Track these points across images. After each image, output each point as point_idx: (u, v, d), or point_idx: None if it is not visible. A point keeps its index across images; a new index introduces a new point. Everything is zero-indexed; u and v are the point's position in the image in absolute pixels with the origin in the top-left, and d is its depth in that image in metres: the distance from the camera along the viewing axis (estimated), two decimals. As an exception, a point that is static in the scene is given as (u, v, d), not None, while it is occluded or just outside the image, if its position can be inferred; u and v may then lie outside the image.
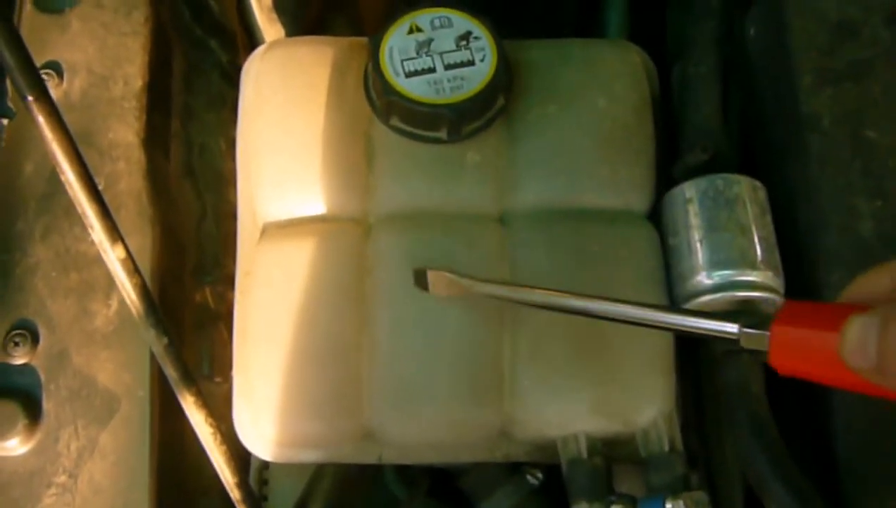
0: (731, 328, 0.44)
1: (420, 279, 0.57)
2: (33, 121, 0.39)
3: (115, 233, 0.42)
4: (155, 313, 0.44)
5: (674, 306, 0.49)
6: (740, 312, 0.55)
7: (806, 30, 0.63)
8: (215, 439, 0.48)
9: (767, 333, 0.41)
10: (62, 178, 0.41)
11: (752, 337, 0.43)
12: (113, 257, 0.42)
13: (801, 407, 0.60)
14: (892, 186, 0.58)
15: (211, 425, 0.48)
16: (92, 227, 0.42)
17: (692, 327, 0.46)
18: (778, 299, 0.58)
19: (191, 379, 0.47)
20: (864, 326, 0.35)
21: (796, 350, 0.40)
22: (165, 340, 0.45)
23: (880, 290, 0.37)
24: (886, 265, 0.38)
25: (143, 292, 0.44)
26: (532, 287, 0.55)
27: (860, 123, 0.60)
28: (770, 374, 0.58)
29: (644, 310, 0.49)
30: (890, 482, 0.55)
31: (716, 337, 0.45)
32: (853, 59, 0.62)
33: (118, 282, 0.43)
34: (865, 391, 0.38)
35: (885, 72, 0.61)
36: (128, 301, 0.44)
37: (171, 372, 0.46)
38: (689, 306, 0.58)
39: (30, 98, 0.38)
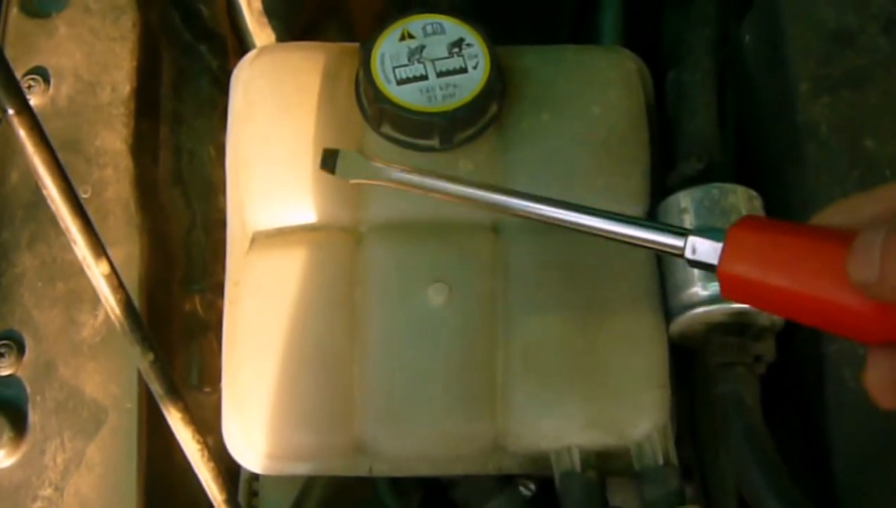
0: (678, 241, 0.38)
1: (328, 161, 0.52)
2: (15, 136, 0.38)
3: (99, 248, 0.41)
4: (140, 328, 0.43)
5: (620, 215, 0.41)
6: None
7: (803, 37, 0.62)
8: (203, 455, 0.47)
9: (720, 243, 0.36)
10: (44, 193, 0.40)
11: (700, 247, 0.37)
12: (97, 272, 0.41)
13: (798, 420, 0.59)
14: (890, 196, 0.58)
15: (198, 441, 0.47)
16: (75, 242, 0.41)
17: (635, 238, 0.41)
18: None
19: (178, 395, 0.46)
20: (872, 235, 0.32)
21: (754, 257, 0.36)
22: (151, 356, 0.44)
23: (860, 215, 0.35)
24: (864, 194, 0.35)
25: (128, 307, 0.43)
26: (449, 178, 0.48)
27: (858, 131, 0.59)
28: (766, 386, 0.58)
29: (579, 215, 0.43)
30: (888, 496, 0.54)
31: (663, 250, 0.40)
32: (850, 67, 0.61)
33: (103, 298, 0.42)
34: (825, 322, 0.35)
35: (882, 80, 0.61)
36: (112, 317, 0.43)
37: (157, 388, 0.45)
38: (685, 317, 0.58)
39: (11, 112, 0.37)
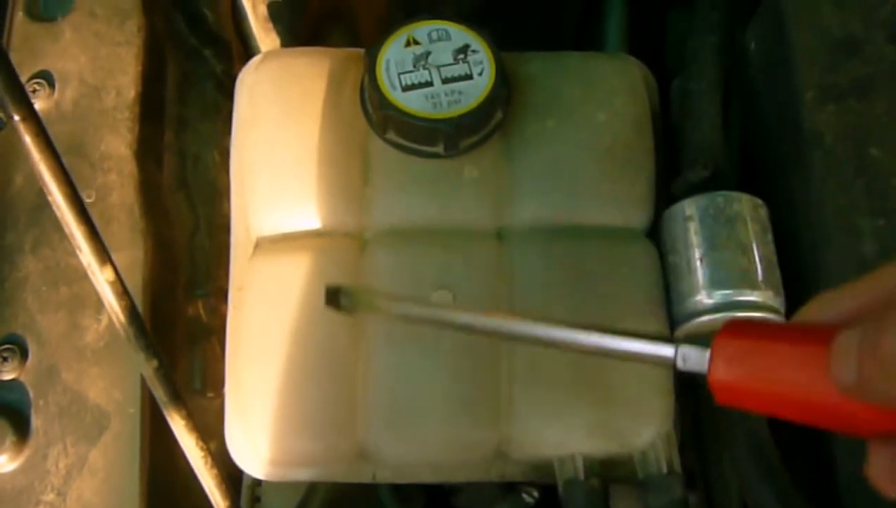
0: (668, 350, 0.38)
1: (331, 298, 0.49)
2: (20, 141, 0.38)
3: (103, 255, 0.41)
4: (144, 335, 0.43)
5: (603, 326, 0.40)
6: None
7: (808, 46, 0.62)
8: (206, 462, 0.47)
9: (707, 351, 0.36)
10: (49, 199, 0.40)
11: (690, 356, 0.37)
12: (102, 279, 0.41)
13: (801, 428, 0.59)
14: (895, 205, 0.58)
15: (201, 448, 0.47)
16: (80, 249, 0.41)
17: (625, 351, 0.40)
18: (779, 319, 0.57)
19: (181, 401, 0.46)
20: (849, 338, 0.33)
21: (742, 365, 0.35)
22: (155, 362, 0.44)
23: (841, 310, 0.35)
24: (843, 288, 0.36)
25: (133, 314, 0.43)
26: (455, 308, 0.49)
27: (863, 140, 0.59)
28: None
29: (573, 332, 0.41)
30: (892, 505, 0.54)
31: (654, 362, 0.39)
32: (856, 75, 0.61)
33: (107, 305, 0.42)
34: (819, 421, 0.35)
35: (888, 89, 0.60)
36: (117, 324, 0.43)
37: (160, 395, 0.45)
38: (690, 325, 0.58)
39: (17, 118, 0.37)
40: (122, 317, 0.42)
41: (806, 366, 0.34)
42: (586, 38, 0.78)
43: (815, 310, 0.36)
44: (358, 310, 0.48)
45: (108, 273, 0.41)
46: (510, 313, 0.45)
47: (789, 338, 0.35)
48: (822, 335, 0.34)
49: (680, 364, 0.38)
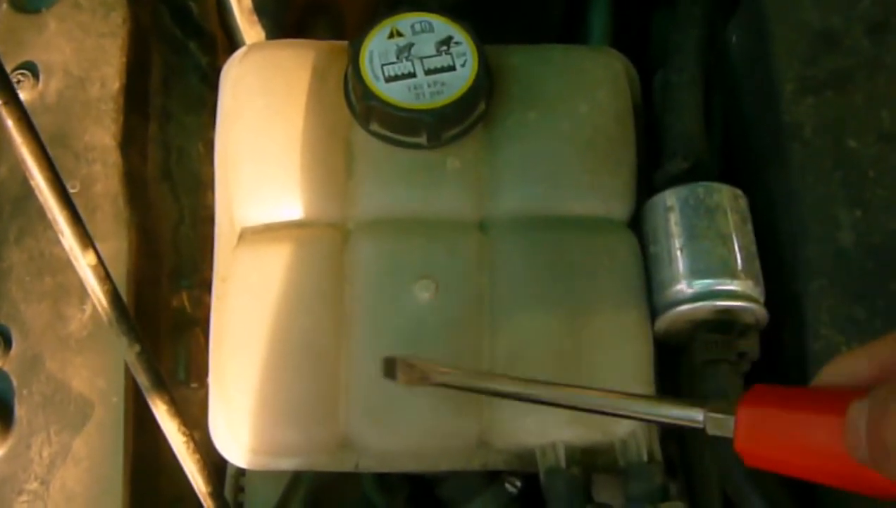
0: (697, 415, 0.41)
1: (389, 369, 0.54)
2: (2, 125, 0.39)
3: (86, 239, 0.41)
4: (127, 320, 0.44)
5: (639, 394, 0.47)
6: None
7: (788, 39, 0.63)
8: (188, 448, 0.48)
9: (733, 417, 0.39)
10: (32, 183, 0.40)
11: (718, 422, 0.40)
12: (84, 263, 0.41)
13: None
14: (873, 196, 0.58)
15: (184, 434, 0.47)
16: (62, 233, 0.41)
17: (656, 415, 0.44)
18: (758, 307, 0.57)
19: (164, 387, 0.46)
20: (859, 413, 0.34)
21: (765, 434, 0.38)
22: (138, 347, 0.44)
23: (858, 373, 0.37)
24: (861, 350, 0.38)
25: (115, 299, 0.43)
26: (502, 376, 0.53)
27: (842, 132, 0.60)
28: (750, 385, 0.58)
29: (610, 398, 0.47)
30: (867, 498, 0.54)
31: (682, 426, 0.42)
32: (835, 68, 0.61)
33: (89, 289, 0.42)
34: (844, 484, 0.37)
35: (866, 81, 0.61)
36: (99, 309, 0.43)
37: (143, 380, 0.45)
38: (670, 314, 0.58)
39: (-1, 102, 0.37)
40: (104, 301, 0.43)
41: (824, 436, 0.36)
42: (570, 32, 0.79)
43: (833, 373, 0.38)
44: (414, 381, 0.53)
45: (91, 257, 0.41)
46: (552, 383, 0.50)
47: (807, 407, 0.37)
48: (838, 402, 0.36)
49: (710, 430, 0.40)
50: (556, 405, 0.49)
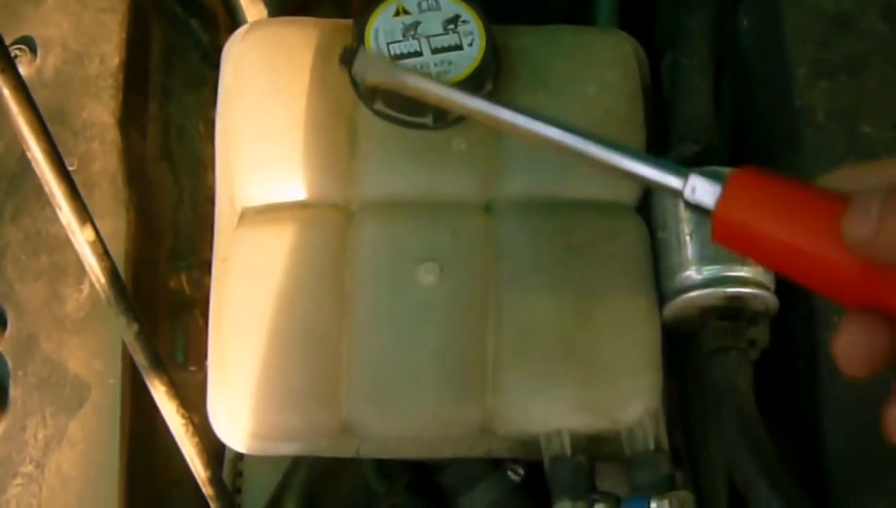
0: (676, 181, 0.37)
1: (346, 57, 0.52)
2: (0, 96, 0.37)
3: (84, 214, 0.40)
4: (125, 298, 0.42)
5: (626, 147, 0.39)
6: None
7: (801, 22, 0.61)
8: (187, 430, 0.47)
9: (720, 184, 0.36)
10: (28, 155, 0.39)
11: (701, 188, 0.36)
12: (81, 239, 0.40)
13: (790, 406, 0.59)
14: (886, 182, 0.57)
15: (182, 416, 0.46)
16: (60, 207, 0.40)
17: (636, 171, 0.39)
18: (768, 295, 0.56)
19: (162, 368, 0.45)
20: (872, 193, 0.33)
21: (752, 202, 0.35)
22: (136, 326, 0.43)
23: (860, 185, 0.35)
24: (869, 164, 0.36)
25: (113, 276, 0.42)
26: (465, 92, 0.45)
27: (855, 117, 0.59)
28: (759, 373, 0.57)
29: (595, 147, 0.40)
30: (879, 483, 0.54)
31: (661, 189, 0.39)
32: (849, 52, 0.60)
33: (87, 265, 0.41)
34: (805, 273, 0.35)
35: (880, 66, 0.60)
36: (97, 286, 0.42)
37: (141, 360, 0.44)
38: (679, 300, 0.57)
39: (-5, 71, 0.36)
40: (101, 278, 0.42)
41: (819, 217, 0.34)
42: (577, 13, 0.77)
43: (836, 179, 0.36)
44: (367, 74, 0.49)
45: (89, 233, 0.40)
46: (531, 114, 0.43)
47: (807, 190, 0.35)
48: (840, 195, 0.34)
49: (688, 195, 0.37)
50: (521, 135, 0.43)
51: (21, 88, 0.37)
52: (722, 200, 0.36)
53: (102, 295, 0.42)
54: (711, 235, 0.37)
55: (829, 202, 0.34)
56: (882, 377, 0.38)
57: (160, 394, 0.46)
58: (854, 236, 0.33)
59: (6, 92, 0.37)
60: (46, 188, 0.40)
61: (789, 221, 0.35)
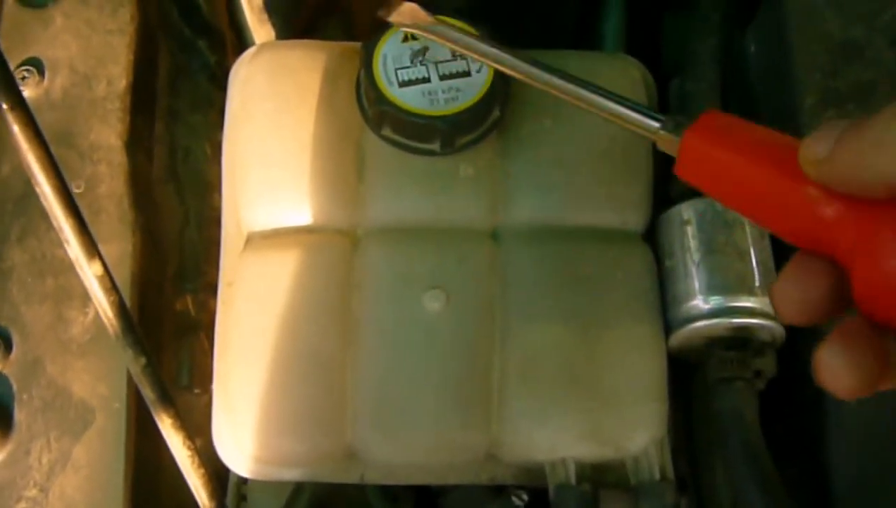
0: (653, 123, 0.42)
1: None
2: (8, 131, 0.37)
3: (92, 249, 0.40)
4: (133, 331, 0.42)
5: (608, 92, 0.46)
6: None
7: (809, 49, 0.61)
8: (193, 462, 0.46)
9: (686, 122, 0.39)
10: (37, 190, 0.39)
11: (674, 123, 0.40)
12: (89, 273, 0.40)
13: (797, 434, 0.59)
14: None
15: (188, 448, 0.46)
16: (68, 242, 0.40)
17: (616, 113, 0.45)
18: (775, 325, 0.56)
19: (169, 400, 0.45)
20: (835, 121, 0.33)
21: (715, 135, 0.38)
22: (143, 360, 0.43)
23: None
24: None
25: (121, 310, 0.42)
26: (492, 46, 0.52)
27: (862, 146, 0.59)
28: (765, 401, 0.57)
29: (575, 87, 0.48)
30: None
31: (636, 129, 0.43)
32: (857, 80, 0.60)
33: (95, 300, 0.41)
34: (773, 215, 0.36)
35: (888, 94, 0.60)
36: (104, 320, 0.42)
37: (148, 393, 0.44)
38: (685, 330, 0.57)
39: (4, 107, 0.36)
40: (109, 312, 0.41)
41: (776, 148, 0.35)
42: (584, 37, 0.77)
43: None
44: (403, 22, 0.56)
45: (97, 267, 0.40)
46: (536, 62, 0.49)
47: (769, 130, 0.37)
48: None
49: (660, 143, 0.41)
50: (519, 77, 0.50)
51: (31, 124, 0.37)
52: (688, 132, 0.38)
53: (110, 329, 0.42)
54: (675, 167, 0.39)
55: (789, 140, 0.35)
56: (891, 406, 0.37)
57: (166, 426, 0.46)
58: (810, 155, 0.33)
59: (16, 128, 0.37)
60: (54, 222, 0.40)
61: (750, 152, 0.36)
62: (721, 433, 0.55)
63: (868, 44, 0.61)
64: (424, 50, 0.59)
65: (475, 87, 0.58)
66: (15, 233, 0.60)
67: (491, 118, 0.60)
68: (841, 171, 0.32)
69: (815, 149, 0.33)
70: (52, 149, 0.40)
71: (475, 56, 0.53)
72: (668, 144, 0.40)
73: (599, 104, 0.46)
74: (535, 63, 0.49)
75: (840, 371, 0.33)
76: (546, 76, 0.48)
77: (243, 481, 0.65)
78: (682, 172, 0.39)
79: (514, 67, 0.50)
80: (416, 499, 0.66)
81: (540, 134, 0.61)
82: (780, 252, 0.58)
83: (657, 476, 0.56)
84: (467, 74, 0.59)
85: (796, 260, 0.35)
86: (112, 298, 0.41)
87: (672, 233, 0.59)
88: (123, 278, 0.59)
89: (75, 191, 0.60)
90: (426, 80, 0.58)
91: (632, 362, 0.57)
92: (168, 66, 0.68)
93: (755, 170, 0.36)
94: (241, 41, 0.72)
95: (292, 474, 0.59)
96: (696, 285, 0.57)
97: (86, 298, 0.58)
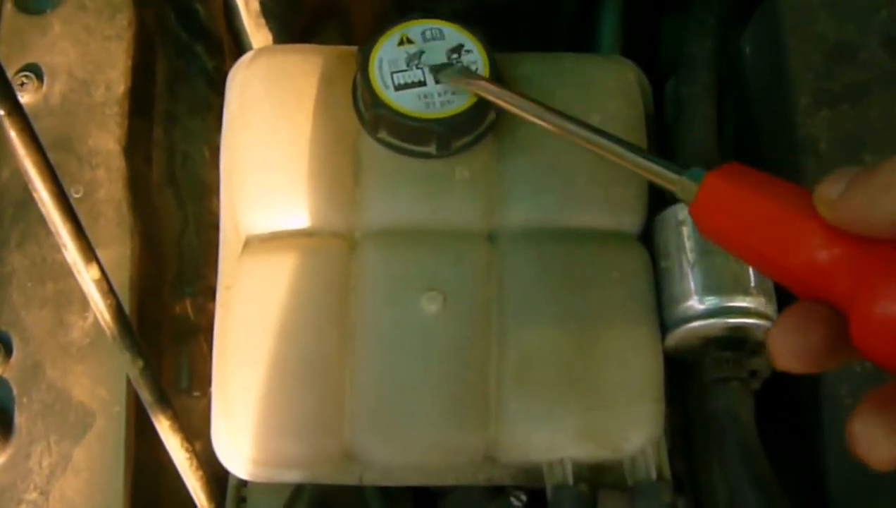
0: (673, 176, 0.42)
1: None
2: (5, 136, 0.38)
3: (89, 253, 0.40)
4: (130, 335, 0.43)
5: (634, 145, 0.47)
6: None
7: (803, 51, 0.62)
8: (191, 464, 0.47)
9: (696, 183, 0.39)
10: (35, 195, 0.39)
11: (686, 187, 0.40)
12: (87, 277, 0.41)
13: (792, 435, 0.59)
14: (888, 212, 0.57)
15: (187, 450, 0.47)
16: (66, 246, 0.40)
17: (643, 167, 0.46)
18: (770, 325, 0.56)
19: (167, 403, 0.45)
20: (845, 170, 0.34)
21: (731, 187, 0.38)
22: (141, 363, 0.43)
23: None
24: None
25: (119, 313, 0.42)
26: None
27: (857, 146, 0.59)
28: (761, 403, 0.57)
29: (607, 142, 0.49)
30: (881, 514, 0.54)
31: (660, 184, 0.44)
32: (851, 81, 0.61)
33: (92, 304, 0.41)
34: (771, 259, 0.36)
35: (882, 95, 0.60)
36: (102, 323, 0.42)
37: (146, 396, 0.44)
38: (681, 330, 0.57)
39: (2, 112, 0.36)
40: (107, 316, 0.42)
41: (793, 197, 0.36)
42: (580, 40, 0.78)
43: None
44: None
45: (94, 271, 0.40)
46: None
47: (777, 179, 0.38)
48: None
49: (680, 193, 0.41)
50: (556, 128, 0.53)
51: (27, 129, 0.37)
52: (697, 196, 0.39)
53: (108, 332, 0.43)
54: (691, 208, 0.40)
55: (802, 188, 0.36)
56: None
57: (165, 429, 0.46)
58: (824, 196, 0.34)
59: (13, 134, 0.37)
60: (52, 227, 0.40)
61: (766, 193, 0.37)
62: (717, 432, 0.56)
63: (862, 45, 0.62)
64: (420, 54, 0.60)
65: (471, 90, 0.59)
66: (15, 238, 0.61)
67: (487, 121, 0.60)
68: (851, 210, 0.33)
69: (828, 190, 0.34)
70: (51, 154, 0.41)
71: (525, 116, 0.55)
72: (687, 190, 0.41)
73: (634, 161, 0.47)
74: (585, 126, 0.52)
75: (879, 441, 0.33)
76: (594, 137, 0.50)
77: (242, 483, 0.65)
78: (698, 210, 0.39)
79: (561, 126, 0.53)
80: (415, 500, 0.66)
81: (535, 136, 0.62)
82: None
83: (654, 475, 0.56)
84: (463, 77, 0.59)
85: (791, 309, 0.35)
86: (109, 301, 0.41)
87: (668, 234, 0.59)
88: (122, 282, 0.60)
89: (74, 196, 0.61)
90: (422, 83, 0.59)
91: (628, 362, 0.57)
92: (166, 71, 0.68)
93: (768, 207, 0.36)
94: (239, 46, 0.72)
95: (291, 476, 0.59)
96: (692, 285, 0.57)
97: (85, 302, 0.59)
